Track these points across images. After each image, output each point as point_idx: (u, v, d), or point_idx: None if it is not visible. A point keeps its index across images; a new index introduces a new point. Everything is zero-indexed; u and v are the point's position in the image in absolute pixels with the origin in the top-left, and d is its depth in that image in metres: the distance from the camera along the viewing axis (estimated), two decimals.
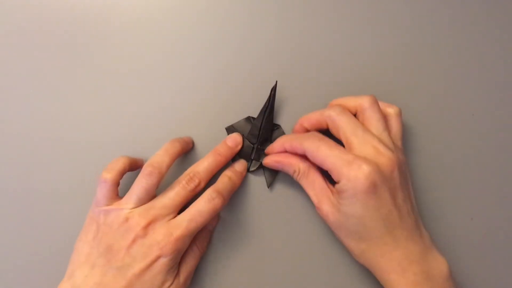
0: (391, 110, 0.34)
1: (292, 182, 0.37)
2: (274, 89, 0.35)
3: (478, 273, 0.37)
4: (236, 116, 0.38)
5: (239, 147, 0.36)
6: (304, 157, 0.33)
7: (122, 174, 0.34)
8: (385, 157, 0.30)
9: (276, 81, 0.34)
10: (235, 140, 0.36)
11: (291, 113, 0.38)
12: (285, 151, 0.34)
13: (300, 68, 0.38)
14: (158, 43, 0.39)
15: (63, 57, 0.38)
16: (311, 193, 0.33)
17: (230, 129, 0.37)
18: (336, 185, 0.31)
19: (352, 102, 0.34)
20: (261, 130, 0.36)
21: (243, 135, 0.37)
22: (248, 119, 0.37)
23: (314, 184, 0.33)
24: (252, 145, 0.37)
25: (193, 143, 0.38)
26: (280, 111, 0.38)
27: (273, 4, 0.39)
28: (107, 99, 0.38)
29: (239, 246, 0.37)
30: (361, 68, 0.38)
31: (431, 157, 0.38)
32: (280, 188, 0.37)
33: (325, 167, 0.31)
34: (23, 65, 0.38)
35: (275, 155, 0.35)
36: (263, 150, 0.37)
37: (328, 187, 0.33)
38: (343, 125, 0.32)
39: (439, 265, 0.31)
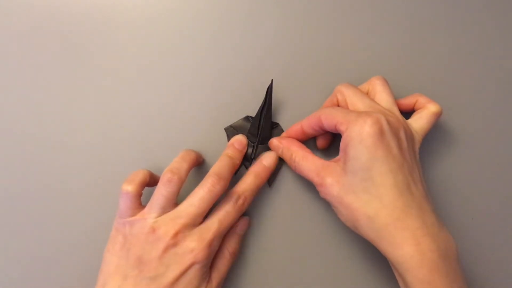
0: (431, 106, 0.34)
1: (293, 180, 0.37)
2: (270, 88, 0.35)
3: (479, 272, 0.36)
4: (235, 116, 0.38)
5: (246, 148, 0.36)
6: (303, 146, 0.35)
7: (143, 185, 0.33)
8: (392, 117, 0.30)
9: (272, 80, 0.35)
10: (242, 142, 0.36)
11: (289, 112, 0.38)
12: (300, 132, 0.35)
13: (298, 67, 0.39)
14: (156, 43, 0.39)
15: (62, 58, 0.39)
16: (312, 173, 0.32)
17: (229, 129, 0.38)
18: (343, 136, 0.30)
19: (363, 85, 0.35)
20: (260, 129, 0.36)
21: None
22: (247, 118, 0.38)
23: (314, 163, 0.32)
24: (252, 144, 0.37)
25: (203, 160, 0.38)
26: (278, 109, 0.38)
27: (271, 4, 0.39)
28: (105, 99, 0.38)
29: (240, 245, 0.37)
30: (360, 67, 0.39)
31: (431, 157, 0.38)
32: (281, 187, 0.37)
33: (335, 122, 0.31)
34: (23, 65, 0.39)
35: (280, 138, 0.36)
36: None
37: (329, 161, 0.32)
38: (351, 95, 0.33)
39: (451, 244, 0.28)
